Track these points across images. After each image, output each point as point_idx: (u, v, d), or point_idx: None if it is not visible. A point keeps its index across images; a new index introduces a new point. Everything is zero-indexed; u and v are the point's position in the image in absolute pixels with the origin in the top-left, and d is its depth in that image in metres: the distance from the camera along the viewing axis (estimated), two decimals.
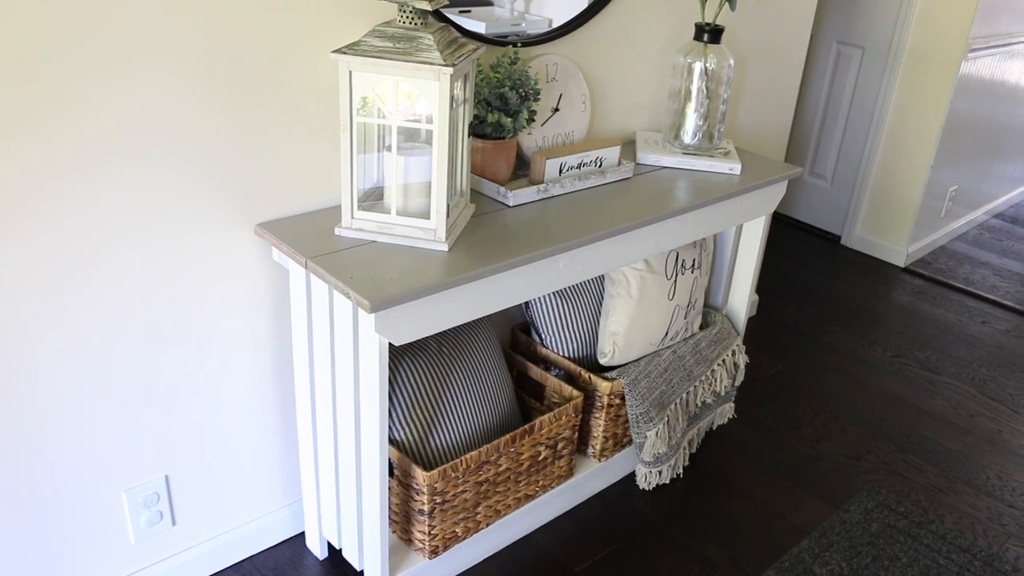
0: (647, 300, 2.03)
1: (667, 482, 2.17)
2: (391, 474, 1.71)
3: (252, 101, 1.48)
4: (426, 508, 1.66)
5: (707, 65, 1.96)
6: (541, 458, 1.88)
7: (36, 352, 1.39)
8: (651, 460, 2.06)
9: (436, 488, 1.65)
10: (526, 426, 1.79)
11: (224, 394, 1.67)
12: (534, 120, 1.76)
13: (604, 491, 2.15)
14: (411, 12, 1.37)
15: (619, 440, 2.09)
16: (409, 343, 1.69)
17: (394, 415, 1.69)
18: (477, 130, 1.69)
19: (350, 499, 1.65)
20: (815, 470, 2.30)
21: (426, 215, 1.48)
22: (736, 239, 2.27)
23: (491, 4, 1.81)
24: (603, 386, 1.96)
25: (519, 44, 1.81)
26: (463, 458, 1.68)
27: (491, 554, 1.92)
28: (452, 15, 1.71)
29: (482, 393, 1.82)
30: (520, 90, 1.70)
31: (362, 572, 1.83)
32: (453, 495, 1.70)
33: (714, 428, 2.42)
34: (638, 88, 2.18)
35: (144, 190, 1.41)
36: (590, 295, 2.07)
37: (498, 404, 1.86)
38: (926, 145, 3.50)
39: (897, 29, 3.46)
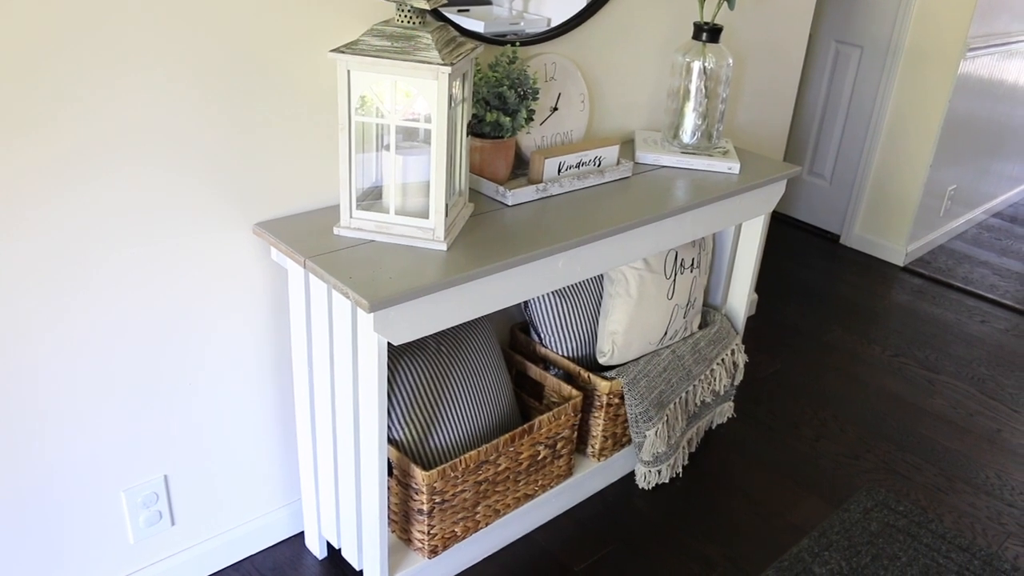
0: (646, 299, 2.02)
1: (666, 481, 2.17)
2: (390, 474, 1.71)
3: (250, 100, 1.48)
4: (425, 508, 1.66)
5: (706, 64, 1.96)
6: (540, 458, 1.88)
7: (36, 352, 1.39)
8: (650, 459, 2.06)
9: (435, 488, 1.65)
10: (525, 426, 1.79)
11: (223, 394, 1.67)
12: (533, 119, 1.76)
13: (603, 491, 2.15)
14: (409, 11, 1.37)
15: (618, 439, 2.09)
16: (408, 343, 1.69)
17: (393, 415, 1.69)
18: (476, 129, 1.69)
19: (349, 499, 1.65)
20: (814, 469, 2.30)
21: (425, 214, 1.47)
22: (735, 238, 2.27)
23: (490, 3, 1.81)
24: (602, 385, 1.96)
25: (517, 43, 1.81)
26: (462, 458, 1.68)
27: (490, 554, 1.92)
28: (451, 14, 1.71)
29: (481, 393, 1.82)
30: (519, 89, 1.70)
31: (361, 572, 1.83)
32: (452, 495, 1.70)
33: (713, 427, 2.42)
34: (637, 87, 2.18)
35: (143, 190, 1.41)
36: (589, 294, 2.07)
37: (497, 404, 1.86)
38: (925, 144, 3.50)
39: (896, 28, 3.46)
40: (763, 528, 2.07)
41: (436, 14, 1.64)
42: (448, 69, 1.33)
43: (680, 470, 2.22)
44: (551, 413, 1.84)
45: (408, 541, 1.76)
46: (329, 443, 1.65)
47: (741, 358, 2.30)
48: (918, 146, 3.53)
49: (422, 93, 1.38)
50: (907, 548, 2.03)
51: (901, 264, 3.69)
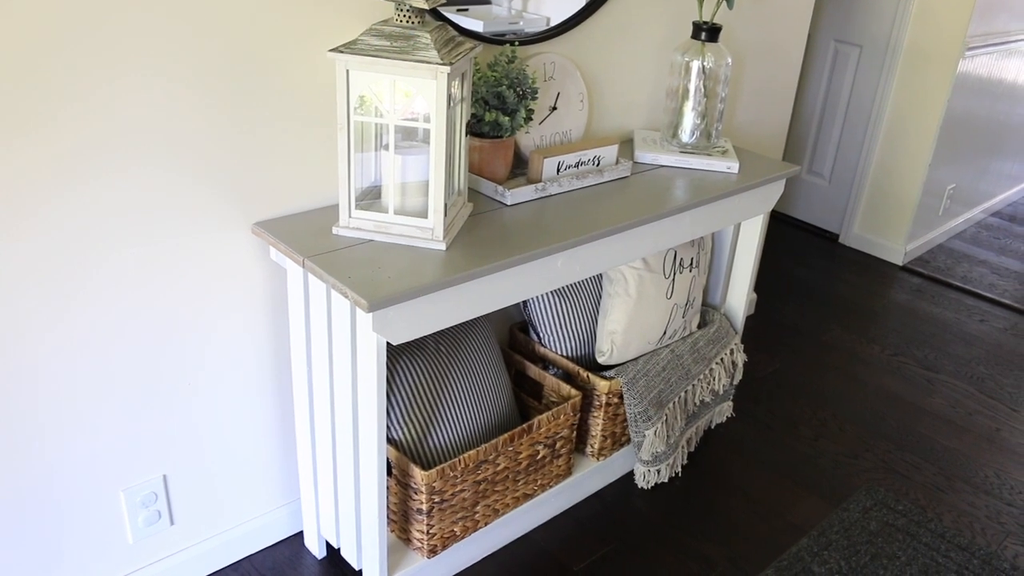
0: (645, 299, 2.02)
1: (665, 481, 2.17)
2: (389, 473, 1.71)
3: (249, 100, 1.48)
4: (424, 507, 1.66)
5: (705, 64, 1.96)
6: (539, 457, 1.88)
7: (36, 351, 1.39)
8: (649, 459, 2.06)
9: (434, 487, 1.65)
10: (524, 425, 1.79)
11: (222, 393, 1.67)
12: (532, 119, 1.76)
13: (602, 490, 2.15)
14: (408, 11, 1.37)
15: (617, 439, 2.09)
16: (407, 342, 1.69)
17: (392, 414, 1.69)
18: (475, 129, 1.69)
19: (348, 498, 1.65)
20: (814, 469, 2.30)
21: (424, 214, 1.47)
22: (734, 238, 2.27)
23: (489, 2, 1.81)
24: (601, 385, 1.96)
25: (516, 43, 1.81)
26: (461, 457, 1.68)
27: (489, 553, 1.92)
28: (450, 13, 1.71)
29: (480, 392, 1.82)
30: (518, 89, 1.70)
31: (360, 571, 1.83)
32: (451, 494, 1.70)
33: (712, 427, 2.42)
34: (636, 87, 2.18)
35: (143, 190, 1.41)
36: (588, 294, 2.07)
37: (496, 403, 1.86)
38: (924, 143, 3.51)
39: (895, 27, 3.46)
40: (762, 527, 2.07)
41: (435, 14, 1.64)
42: (447, 69, 1.33)
43: (679, 470, 2.22)
44: (550, 413, 1.84)
45: (407, 541, 1.76)
46: (328, 443, 1.65)
47: (740, 357, 2.30)
48: (917, 145, 3.53)
49: (421, 93, 1.38)
50: (906, 547, 2.03)
51: (900, 263, 3.69)
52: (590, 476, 2.08)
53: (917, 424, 2.54)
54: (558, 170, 1.79)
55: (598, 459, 2.07)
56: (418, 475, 1.63)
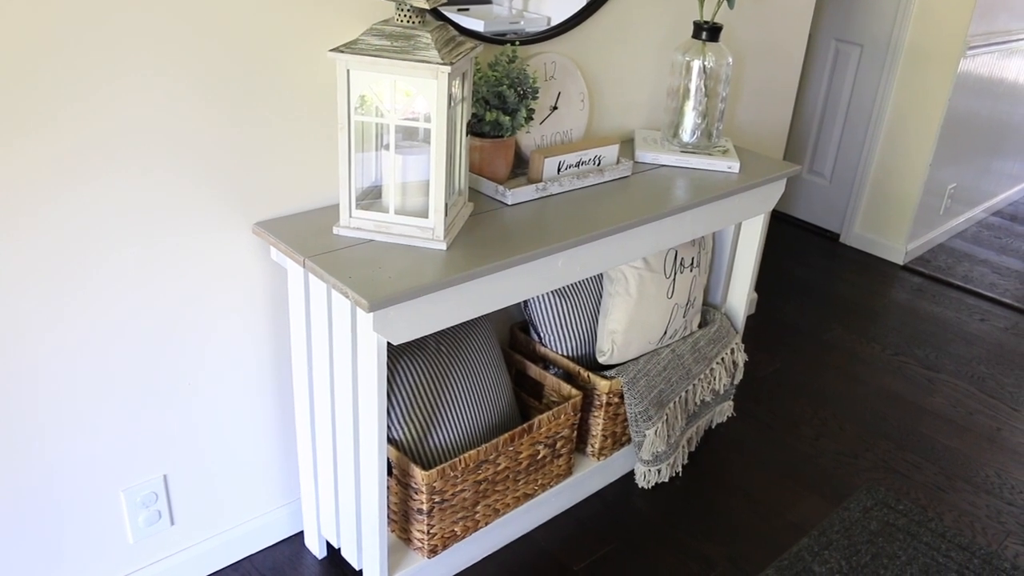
0: (646, 299, 2.02)
1: (666, 481, 2.17)
2: (390, 473, 1.71)
3: (250, 100, 1.48)
4: (425, 507, 1.66)
5: (705, 63, 1.96)
6: (540, 457, 1.88)
7: (35, 352, 1.39)
8: (650, 459, 2.06)
9: (435, 487, 1.65)
10: (525, 425, 1.79)
11: (222, 393, 1.67)
12: (532, 119, 1.76)
13: (603, 490, 2.14)
14: (409, 11, 1.37)
15: (618, 439, 2.09)
16: (407, 342, 1.69)
17: (393, 414, 1.69)
18: (475, 129, 1.69)
19: (349, 498, 1.65)
20: (814, 468, 2.30)
21: (424, 214, 1.47)
22: (735, 237, 2.27)
23: (490, 2, 1.81)
24: (602, 385, 1.96)
25: (517, 42, 1.81)
26: (462, 457, 1.68)
27: (490, 553, 1.92)
28: (451, 13, 1.71)
29: (481, 392, 1.82)
30: (518, 88, 1.70)
31: (361, 571, 1.83)
32: (452, 494, 1.70)
33: (713, 426, 2.42)
34: (636, 86, 2.18)
35: (143, 190, 1.41)
36: (589, 294, 2.07)
37: (497, 403, 1.86)
38: (925, 143, 3.50)
39: (896, 27, 3.46)
40: (763, 527, 2.07)
41: (436, 13, 1.64)
42: (448, 68, 1.33)
43: (680, 469, 2.22)
44: (551, 412, 1.84)
45: (408, 540, 1.76)
46: (329, 442, 1.64)
47: (741, 357, 2.30)
48: (918, 144, 3.52)
49: (422, 92, 1.38)
50: (907, 547, 2.03)
51: (901, 263, 3.69)
52: (590, 476, 2.08)
53: (918, 424, 2.54)
54: (559, 170, 1.78)
55: (599, 459, 2.07)
56: (418, 475, 1.63)
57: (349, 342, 1.46)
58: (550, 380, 1.99)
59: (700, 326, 2.30)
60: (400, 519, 1.74)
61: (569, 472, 2.01)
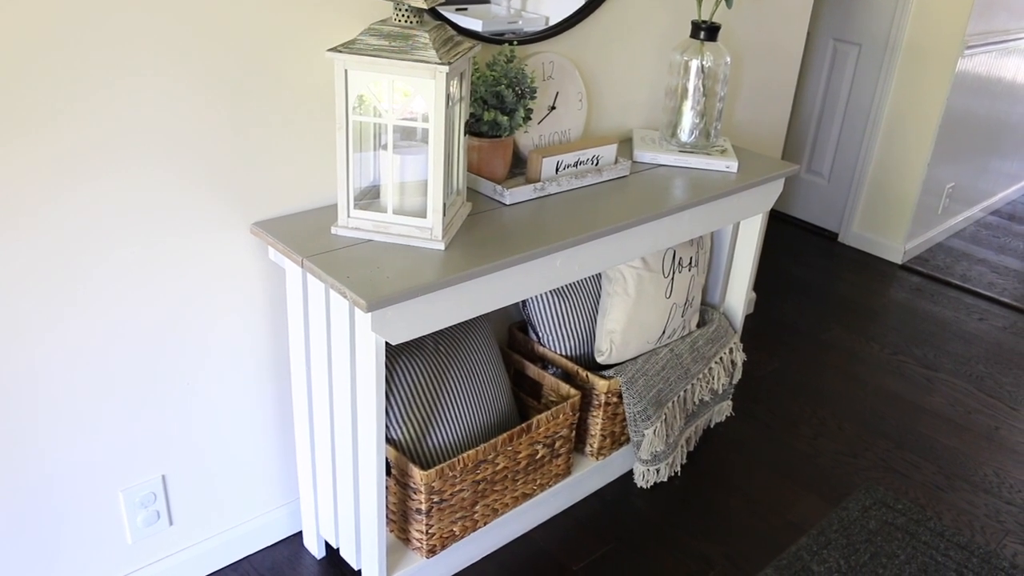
0: (644, 298, 2.02)
1: (665, 480, 2.17)
2: (388, 473, 1.71)
3: (249, 100, 1.47)
4: (423, 507, 1.66)
5: (704, 63, 1.96)
6: (539, 457, 1.88)
7: (34, 352, 1.39)
8: (649, 458, 2.06)
9: (433, 487, 1.65)
10: (523, 425, 1.79)
11: (221, 393, 1.67)
12: (530, 118, 1.76)
13: (602, 489, 2.15)
14: (407, 10, 1.37)
15: (617, 438, 2.09)
16: (406, 342, 1.69)
17: (391, 414, 1.69)
18: (473, 128, 1.69)
19: (347, 498, 1.65)
20: (813, 468, 2.30)
21: (422, 214, 1.47)
22: (733, 237, 2.27)
23: (488, 2, 1.81)
24: (600, 384, 1.96)
25: (515, 42, 1.81)
26: (460, 457, 1.68)
27: (489, 553, 1.92)
28: (449, 13, 1.71)
29: (479, 392, 1.82)
30: (516, 88, 1.69)
31: (360, 571, 1.83)
32: (451, 494, 1.70)
33: (712, 426, 2.42)
34: (635, 86, 2.18)
35: (142, 190, 1.41)
36: (587, 293, 2.07)
37: (495, 403, 1.86)
38: (923, 142, 3.50)
39: (894, 26, 3.46)
40: (762, 527, 2.07)
41: (434, 13, 1.64)
42: (446, 68, 1.33)
43: (678, 469, 2.22)
44: (549, 412, 1.84)
45: (406, 540, 1.75)
46: (327, 443, 1.64)
47: (739, 357, 2.30)
48: (916, 144, 3.53)
49: (420, 92, 1.38)
50: (905, 546, 2.03)
51: (899, 262, 3.69)
52: (589, 476, 2.08)
53: (916, 423, 2.54)
54: (557, 169, 1.78)
55: (597, 458, 2.07)
56: (417, 475, 1.63)
57: (347, 342, 1.46)
58: (549, 380, 1.99)
59: (698, 326, 2.30)
60: (399, 519, 1.74)
61: (568, 472, 2.01)
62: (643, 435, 2.02)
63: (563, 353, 2.06)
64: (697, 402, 2.20)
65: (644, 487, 2.14)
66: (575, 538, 1.98)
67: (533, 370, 2.03)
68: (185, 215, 1.48)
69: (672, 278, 2.08)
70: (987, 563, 1.99)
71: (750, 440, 2.39)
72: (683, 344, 2.16)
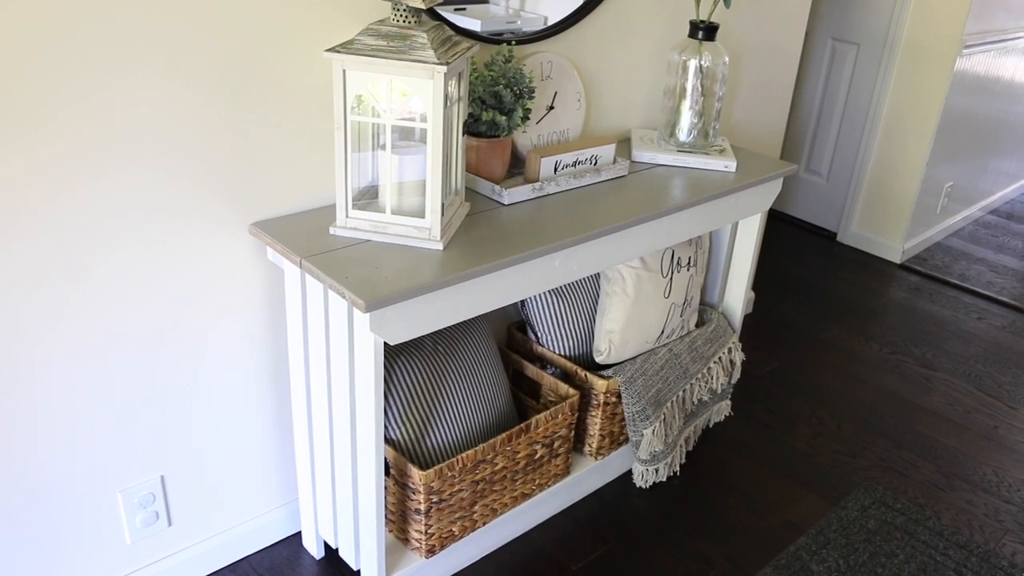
0: (643, 298, 2.02)
1: (664, 480, 2.17)
2: (387, 473, 1.71)
3: (247, 101, 1.47)
4: (422, 507, 1.66)
5: (702, 62, 1.96)
6: (537, 457, 1.88)
7: (33, 352, 1.39)
8: (648, 458, 2.06)
9: (432, 487, 1.65)
10: (522, 425, 1.79)
11: (220, 393, 1.67)
12: (529, 118, 1.76)
13: (601, 489, 2.15)
14: (405, 10, 1.37)
15: (615, 438, 2.09)
16: (404, 342, 1.69)
17: (390, 414, 1.69)
18: (472, 128, 1.69)
19: (346, 499, 1.65)
20: (812, 467, 2.30)
21: (421, 214, 1.47)
22: (732, 236, 2.27)
23: (487, 2, 1.81)
24: (599, 384, 1.96)
25: (514, 42, 1.81)
26: (459, 457, 1.67)
27: (488, 553, 1.92)
28: (447, 13, 1.71)
29: (478, 392, 1.82)
30: (515, 88, 1.69)
31: (359, 571, 1.83)
32: (449, 494, 1.70)
33: (711, 426, 2.42)
34: (633, 86, 2.18)
35: (140, 191, 1.41)
36: (586, 293, 2.07)
37: (494, 403, 1.86)
38: (922, 141, 3.51)
39: (892, 25, 3.46)
40: (761, 526, 2.07)
41: (432, 13, 1.64)
42: (444, 68, 1.33)
43: (677, 469, 2.22)
44: (548, 412, 1.84)
45: (405, 541, 1.75)
46: (326, 443, 1.64)
47: (738, 356, 2.30)
48: (915, 143, 3.53)
49: (418, 92, 1.38)
50: (904, 545, 2.03)
51: (898, 261, 3.69)
52: (588, 475, 2.08)
53: (915, 422, 2.54)
54: (555, 169, 1.78)
55: (596, 458, 2.07)
56: (416, 475, 1.63)
57: (346, 342, 1.46)
58: (547, 380, 1.98)
59: (697, 325, 2.30)
60: (398, 519, 1.74)
61: (567, 472, 2.01)
62: (642, 435, 2.02)
63: (562, 353, 2.06)
64: (696, 402, 2.20)
65: (643, 487, 2.14)
66: (574, 538, 1.98)
67: (532, 370, 2.03)
68: (184, 215, 1.48)
69: (671, 278, 2.08)
70: (986, 562, 1.99)
71: (749, 440, 2.40)
72: (682, 344, 2.16)
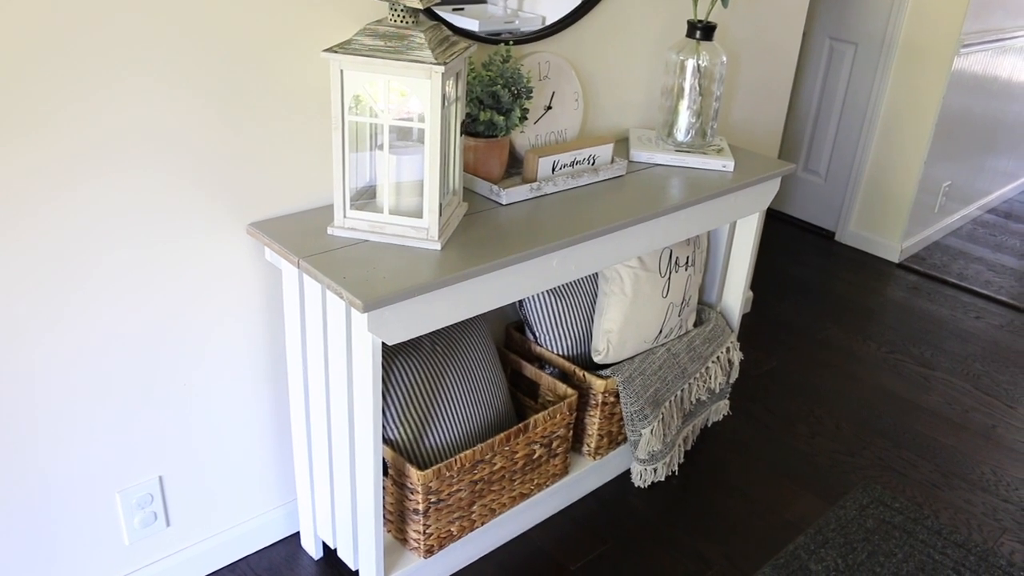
0: (641, 298, 2.02)
1: (662, 480, 2.17)
2: (385, 473, 1.71)
3: (245, 101, 1.47)
4: (421, 507, 1.66)
5: (700, 62, 1.96)
6: (536, 456, 1.88)
7: (32, 353, 1.39)
8: (646, 458, 2.06)
9: (431, 487, 1.65)
10: (521, 424, 1.79)
11: (218, 394, 1.67)
12: (527, 118, 1.76)
13: (599, 489, 2.15)
14: (402, 11, 1.37)
15: (614, 438, 2.09)
16: (402, 342, 1.69)
17: (388, 414, 1.69)
18: (469, 128, 1.69)
19: (345, 499, 1.65)
20: (810, 466, 2.30)
21: (418, 214, 1.47)
22: (730, 236, 2.27)
23: (485, 2, 1.81)
24: (597, 384, 1.96)
25: (511, 42, 1.81)
26: (458, 457, 1.67)
27: (486, 553, 1.92)
28: (445, 12, 1.71)
29: (476, 392, 1.82)
30: (512, 88, 1.69)
31: (357, 572, 1.83)
32: (448, 494, 1.70)
33: (709, 425, 2.42)
34: (631, 85, 2.18)
35: (139, 192, 1.41)
36: (584, 293, 2.07)
37: (492, 403, 1.86)
38: (920, 141, 3.51)
39: (890, 25, 3.46)
40: (759, 525, 2.07)
41: (429, 13, 1.64)
42: (441, 68, 1.33)
43: (676, 468, 2.22)
44: (546, 412, 1.84)
45: (404, 541, 1.75)
46: (324, 443, 1.64)
47: (736, 356, 2.30)
48: (913, 143, 3.53)
49: (416, 92, 1.38)
50: (903, 544, 2.03)
51: (896, 261, 3.70)
52: (587, 475, 2.08)
53: (913, 421, 2.55)
54: (553, 169, 1.78)
55: (595, 458, 2.07)
56: (414, 475, 1.63)
57: (344, 342, 1.46)
58: (546, 379, 1.99)
59: (695, 325, 2.30)
60: (396, 519, 1.74)
61: (565, 472, 2.01)
62: (640, 434, 2.02)
63: (560, 353, 2.06)
64: (694, 401, 2.20)
65: (641, 486, 2.14)
66: (573, 538, 1.98)
67: (530, 370, 2.03)
68: (183, 215, 1.48)
69: (669, 277, 2.08)
70: (984, 561, 2.00)
71: (747, 439, 2.40)
72: (680, 343, 2.16)
